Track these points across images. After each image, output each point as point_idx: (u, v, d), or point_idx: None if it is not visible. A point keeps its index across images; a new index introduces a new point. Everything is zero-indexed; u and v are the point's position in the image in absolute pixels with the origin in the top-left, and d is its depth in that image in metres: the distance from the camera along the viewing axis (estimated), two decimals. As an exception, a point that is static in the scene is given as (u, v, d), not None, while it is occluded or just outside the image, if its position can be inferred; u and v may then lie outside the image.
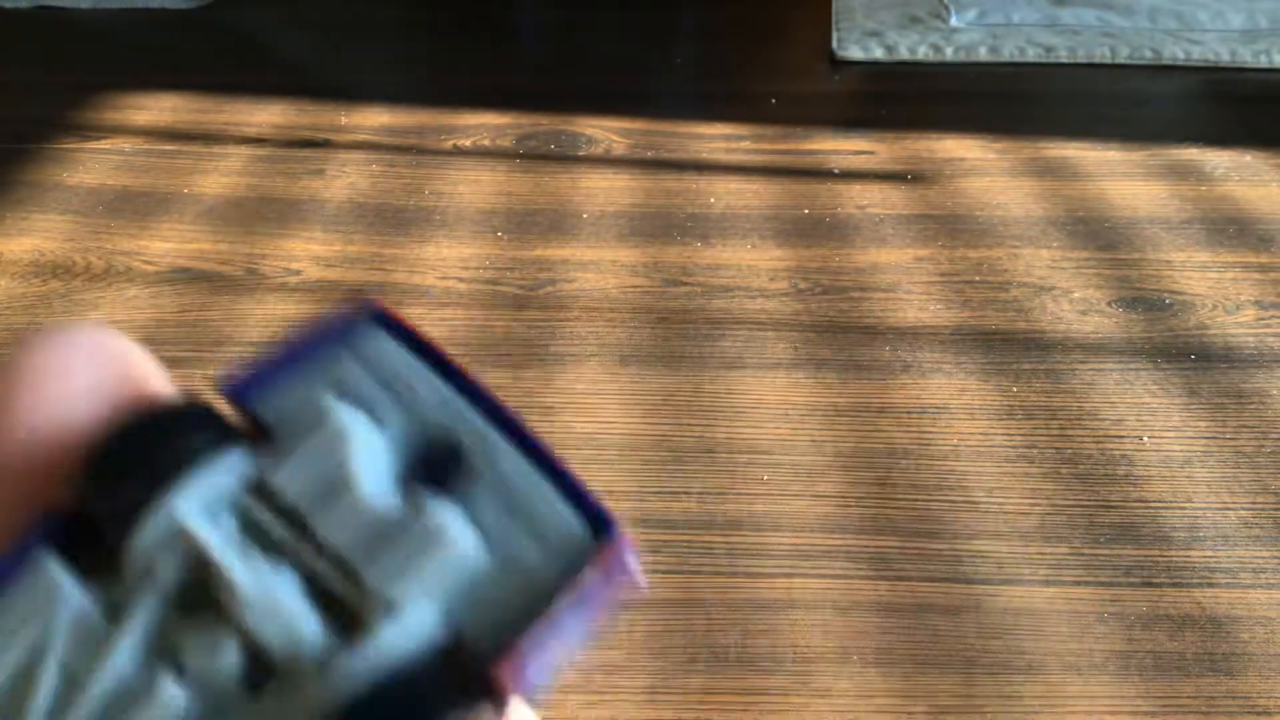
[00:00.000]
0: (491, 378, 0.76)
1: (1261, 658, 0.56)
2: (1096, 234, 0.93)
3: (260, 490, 0.11)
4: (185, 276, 0.87)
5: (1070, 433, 0.71)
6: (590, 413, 0.73)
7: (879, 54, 1.30)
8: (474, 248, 0.91)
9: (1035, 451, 0.69)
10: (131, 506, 0.10)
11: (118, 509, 0.10)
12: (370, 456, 0.11)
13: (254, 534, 0.11)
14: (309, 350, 0.11)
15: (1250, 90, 1.22)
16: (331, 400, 0.11)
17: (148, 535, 0.10)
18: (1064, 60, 1.29)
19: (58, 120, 1.13)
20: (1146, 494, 0.66)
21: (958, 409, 0.73)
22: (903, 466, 0.68)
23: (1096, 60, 1.28)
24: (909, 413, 0.73)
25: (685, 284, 0.86)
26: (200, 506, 0.11)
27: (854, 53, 1.30)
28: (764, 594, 0.60)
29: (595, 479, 0.67)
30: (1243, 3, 1.40)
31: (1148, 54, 1.28)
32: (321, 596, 0.10)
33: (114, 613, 0.10)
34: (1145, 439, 0.70)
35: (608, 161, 1.06)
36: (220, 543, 0.10)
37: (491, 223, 0.95)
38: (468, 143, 1.10)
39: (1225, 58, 1.27)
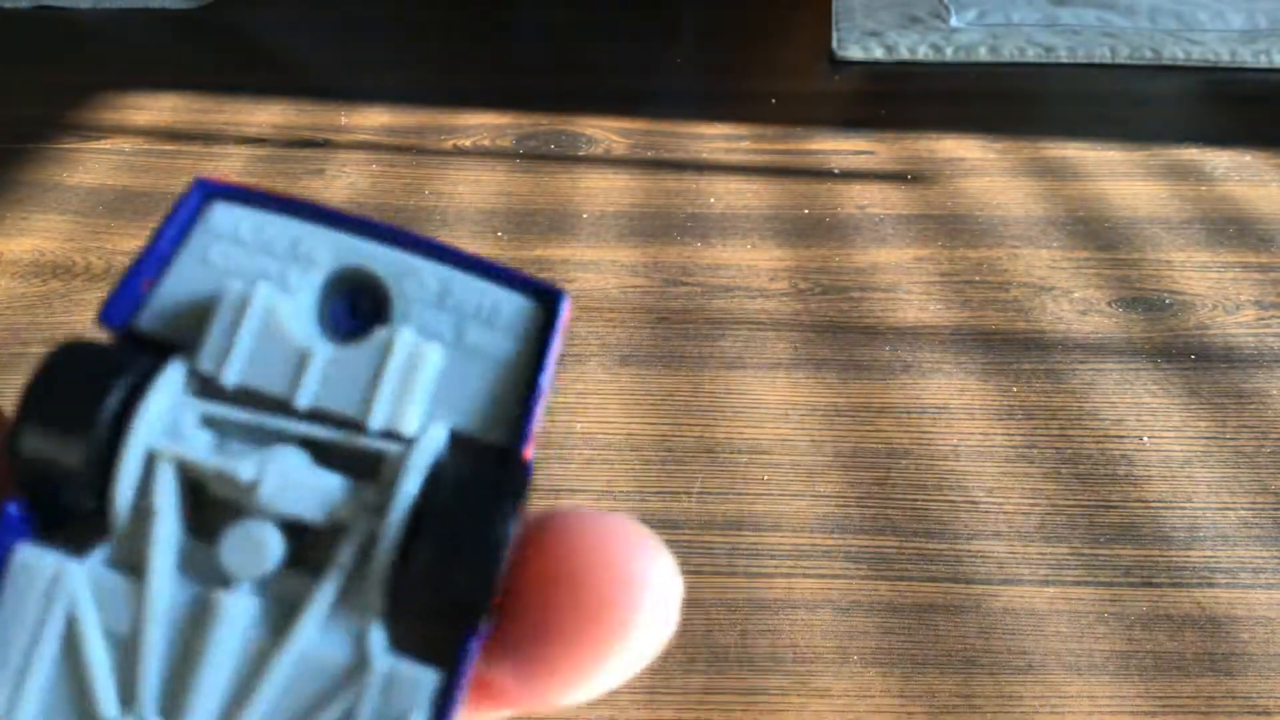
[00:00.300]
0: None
1: (1261, 658, 0.56)
2: (1096, 234, 0.93)
3: (206, 390, 0.10)
4: (185, 276, 0.87)
5: (1070, 433, 0.71)
6: (590, 413, 0.73)
7: (879, 54, 1.30)
8: (474, 247, 0.91)
9: (1035, 451, 0.69)
10: (91, 462, 0.10)
11: (74, 471, 0.10)
12: (293, 315, 0.11)
13: (229, 431, 0.10)
14: (165, 250, 0.11)
15: (1250, 90, 1.22)
16: (222, 282, 0.11)
17: (126, 480, 0.10)
18: (1064, 60, 1.29)
19: (58, 120, 1.13)
20: (1146, 494, 0.66)
21: (957, 409, 0.73)
22: (902, 466, 0.68)
23: (1096, 60, 1.28)
24: (909, 413, 0.73)
25: (685, 284, 0.86)
26: (164, 431, 0.10)
27: (854, 53, 1.30)
28: (764, 594, 0.60)
29: (595, 479, 0.67)
30: (1243, 3, 1.40)
31: (1148, 54, 1.28)
32: (328, 456, 0.10)
33: (129, 564, 0.10)
34: (1145, 439, 0.70)
35: (608, 161, 1.06)
36: (205, 452, 0.10)
37: (491, 223, 0.95)
38: (468, 143, 1.10)
39: (1225, 58, 1.27)
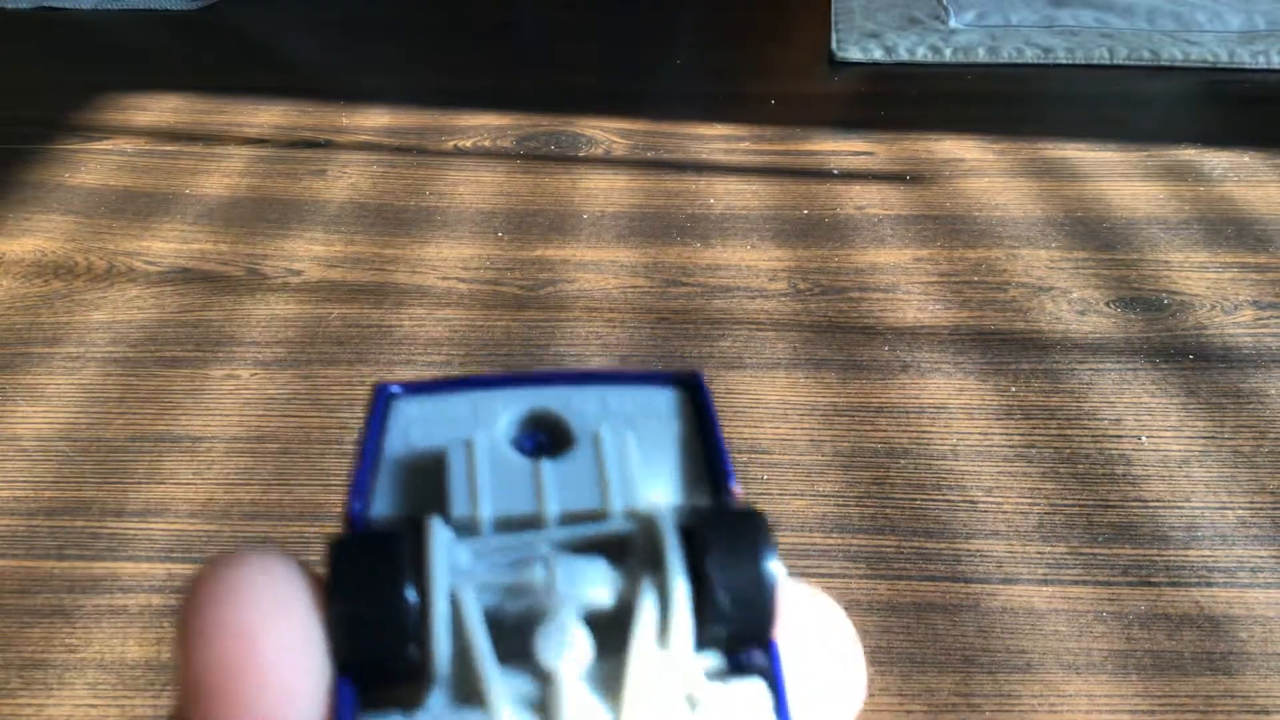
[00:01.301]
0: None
1: (1259, 657, 0.57)
2: (1095, 234, 0.93)
3: (465, 531, 0.12)
4: (186, 277, 0.88)
5: (1069, 432, 0.71)
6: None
7: (878, 55, 1.30)
8: (474, 248, 0.92)
9: (1034, 451, 0.70)
10: (406, 626, 0.11)
11: (392, 640, 0.11)
12: (507, 451, 0.12)
13: (497, 557, 0.12)
14: (373, 447, 0.12)
15: (1248, 91, 1.22)
16: (432, 451, 0.12)
17: (440, 627, 0.11)
18: (1062, 61, 1.29)
19: (59, 121, 1.13)
20: (1145, 493, 0.67)
21: (956, 409, 0.73)
22: (901, 466, 0.68)
23: (1095, 61, 1.28)
24: (908, 412, 0.73)
25: (685, 284, 0.87)
26: (454, 575, 0.11)
27: (853, 54, 1.31)
28: (763, 593, 0.60)
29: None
30: (1240, 4, 1.40)
31: (1146, 55, 1.28)
32: (586, 549, 0.12)
33: (465, 701, 0.11)
34: (1143, 439, 0.71)
35: (608, 162, 1.06)
36: (492, 577, 0.11)
37: (492, 223, 0.95)
38: (468, 143, 1.10)
39: (1223, 59, 1.27)
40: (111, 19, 1.45)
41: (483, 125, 1.14)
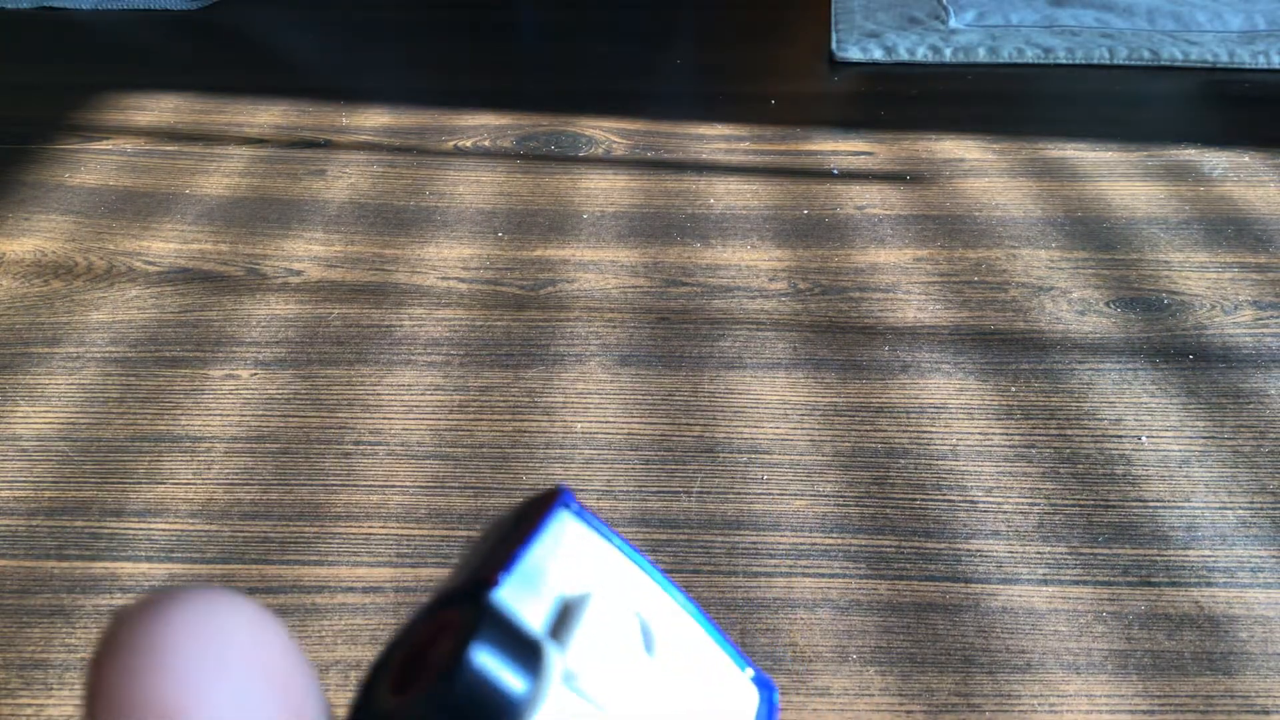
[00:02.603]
0: (491, 378, 0.76)
1: (1260, 657, 0.57)
2: (1095, 234, 0.93)
3: (568, 678, 0.12)
4: (186, 277, 0.88)
5: (1068, 432, 0.71)
6: (590, 413, 0.73)
7: (878, 55, 1.30)
8: (474, 248, 0.92)
9: (1034, 451, 0.70)
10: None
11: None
12: (620, 622, 0.13)
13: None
14: (532, 539, 0.13)
15: (1248, 91, 1.22)
16: (566, 583, 0.13)
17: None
18: (1062, 61, 1.29)
19: (59, 121, 1.13)
20: (1145, 493, 0.67)
21: (956, 408, 0.73)
22: (901, 466, 0.68)
23: (1095, 61, 1.28)
24: (908, 412, 0.73)
25: (685, 284, 0.87)
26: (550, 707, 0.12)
27: (853, 54, 1.31)
28: (763, 593, 0.60)
29: (595, 479, 0.67)
30: (1241, 4, 1.40)
31: (1146, 55, 1.28)
32: None
33: None
34: (1143, 439, 0.71)
35: (608, 162, 1.06)
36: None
37: (492, 223, 0.95)
38: (468, 143, 1.10)
39: (1223, 59, 1.27)
40: (111, 19, 1.45)
41: (483, 125, 1.14)
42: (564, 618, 0.12)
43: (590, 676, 0.12)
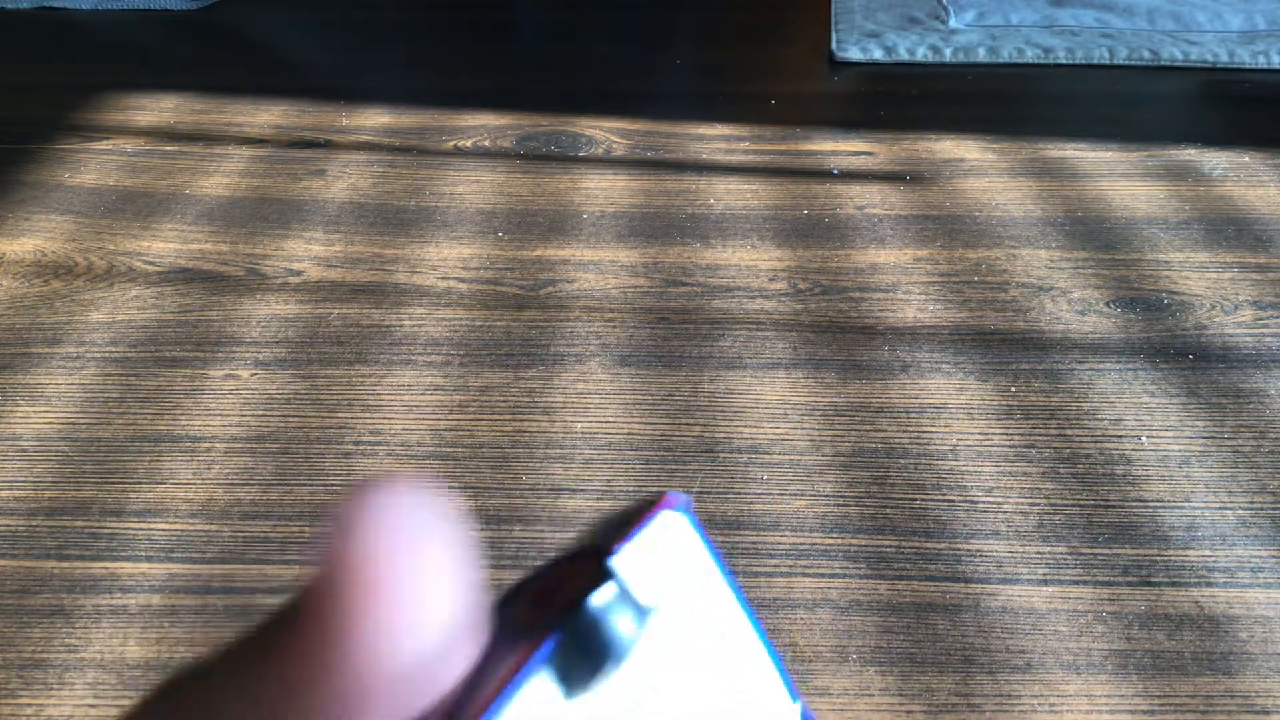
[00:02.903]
0: (491, 378, 0.76)
1: (1260, 657, 0.57)
2: (1095, 234, 0.93)
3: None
4: (186, 277, 0.88)
5: (1068, 432, 0.71)
6: (590, 413, 0.73)
7: (878, 55, 1.30)
8: (474, 248, 0.92)
9: (1034, 451, 0.70)
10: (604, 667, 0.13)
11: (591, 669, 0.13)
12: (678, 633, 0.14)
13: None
14: (643, 525, 0.14)
15: (1248, 91, 1.22)
16: (662, 577, 0.14)
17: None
18: (1062, 61, 1.29)
19: (59, 121, 1.13)
20: (1145, 493, 0.67)
21: (956, 408, 0.73)
22: (901, 466, 0.68)
23: (1095, 61, 1.28)
24: (908, 412, 0.73)
25: (685, 284, 0.87)
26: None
27: (853, 54, 1.31)
28: (763, 593, 0.60)
29: (595, 479, 0.67)
30: (1241, 4, 1.40)
31: (1146, 55, 1.28)
32: None
33: None
34: (1143, 439, 0.71)
35: (608, 162, 1.06)
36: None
37: (492, 223, 0.95)
38: (468, 143, 1.10)
39: (1223, 59, 1.27)
40: (111, 19, 1.45)
41: (483, 125, 1.14)
42: (653, 598, 0.14)
43: (657, 659, 0.13)
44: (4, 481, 0.67)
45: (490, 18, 1.49)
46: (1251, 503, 0.66)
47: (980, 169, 1.04)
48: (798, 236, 0.93)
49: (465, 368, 0.77)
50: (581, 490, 0.66)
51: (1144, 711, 0.54)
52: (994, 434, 0.71)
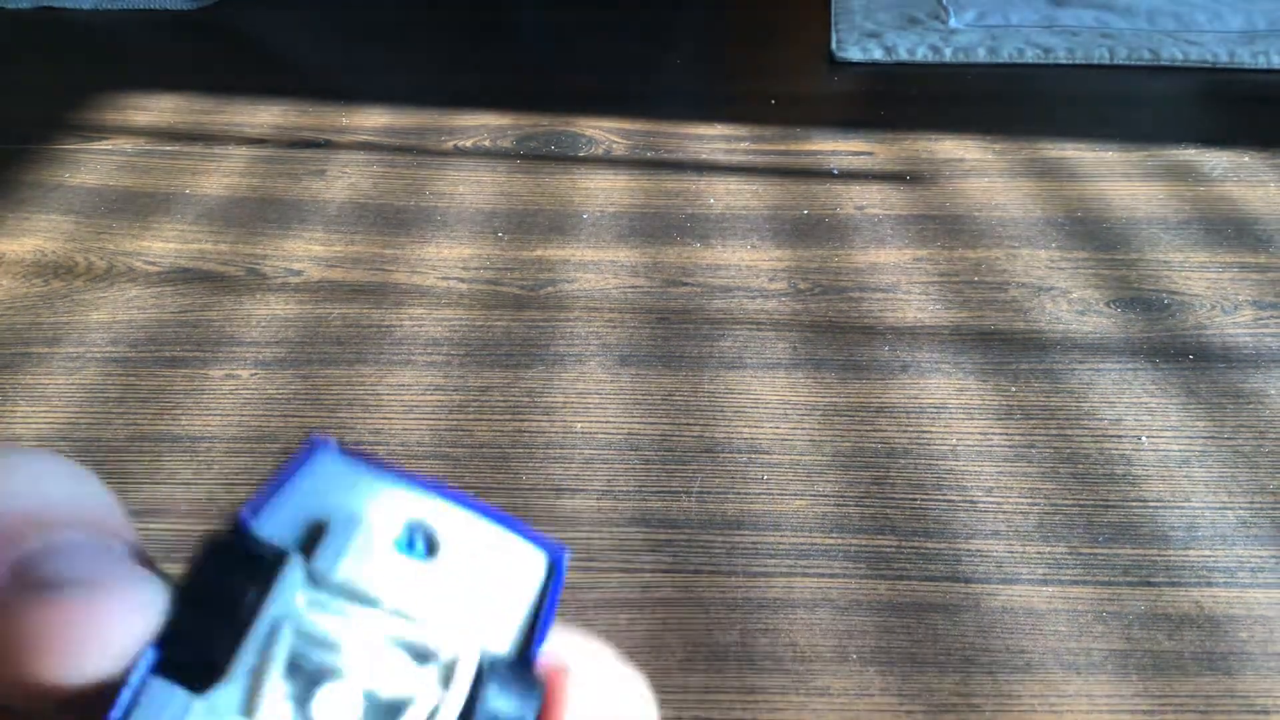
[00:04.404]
0: (491, 378, 0.76)
1: (1260, 657, 0.57)
2: (1095, 234, 0.93)
3: (315, 581, 0.13)
4: (186, 277, 0.88)
5: (1068, 432, 0.71)
6: (590, 413, 0.73)
7: (878, 55, 1.30)
8: (474, 248, 0.92)
9: (1034, 451, 0.70)
10: (229, 631, 0.12)
11: (214, 638, 0.12)
12: (382, 539, 0.14)
13: (329, 613, 0.13)
14: (284, 480, 0.14)
15: (1248, 91, 1.22)
16: (326, 509, 0.14)
17: (254, 643, 0.13)
18: (1062, 61, 1.29)
19: (59, 121, 1.13)
20: (1145, 493, 0.67)
21: (956, 408, 0.73)
22: (901, 466, 0.68)
23: (1095, 61, 1.28)
24: (908, 412, 0.73)
25: (685, 284, 0.87)
26: (284, 608, 0.13)
27: (853, 54, 1.31)
28: (763, 593, 0.60)
29: (595, 479, 0.67)
30: (1241, 4, 1.40)
31: (1146, 55, 1.28)
32: (406, 646, 0.13)
33: (242, 709, 0.12)
34: (1143, 439, 0.71)
35: (608, 162, 1.06)
36: (311, 626, 0.13)
37: (492, 223, 0.95)
38: (468, 143, 1.10)
39: (1223, 59, 1.27)
40: (111, 19, 1.45)
41: (483, 125, 1.14)
42: (317, 535, 0.14)
43: (353, 574, 0.13)
44: (4, 481, 0.67)
45: (490, 18, 1.49)
46: (1251, 503, 0.66)
47: (980, 169, 1.04)
48: (798, 236, 0.93)
49: (465, 368, 0.77)
50: (581, 490, 0.66)
51: (1144, 711, 0.54)
52: (994, 434, 0.71)
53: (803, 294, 0.85)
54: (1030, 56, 1.29)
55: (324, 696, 0.13)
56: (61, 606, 0.11)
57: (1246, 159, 1.06)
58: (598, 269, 0.89)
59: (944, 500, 0.66)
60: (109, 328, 0.81)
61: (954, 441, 0.70)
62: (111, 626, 0.11)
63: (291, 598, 0.13)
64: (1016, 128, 1.12)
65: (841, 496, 0.66)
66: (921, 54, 1.30)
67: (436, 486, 0.14)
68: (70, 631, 0.11)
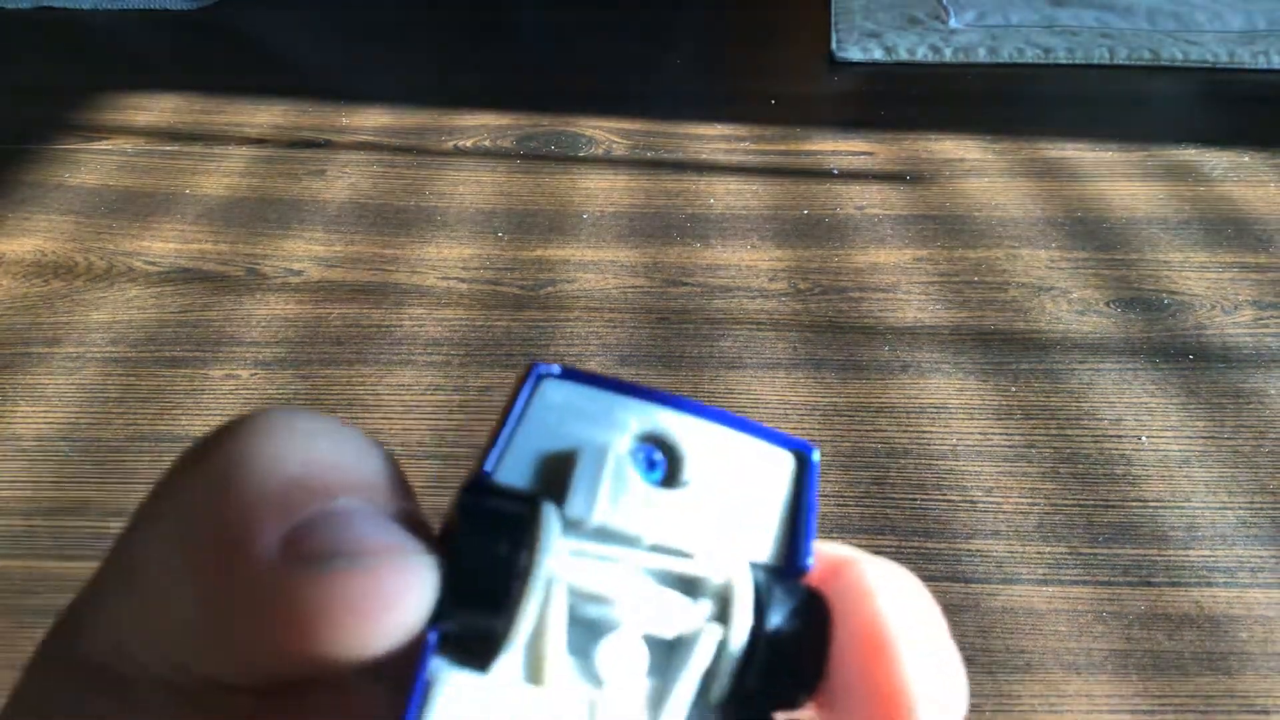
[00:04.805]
0: (491, 378, 0.76)
1: (1259, 657, 0.57)
2: (1095, 234, 0.93)
3: (571, 529, 0.13)
4: (187, 277, 0.88)
5: (1068, 432, 0.71)
6: (590, 412, 0.73)
7: (878, 55, 1.30)
8: (474, 248, 0.92)
9: (1034, 451, 0.70)
10: (505, 599, 0.12)
11: (489, 596, 0.12)
12: (630, 468, 0.13)
13: (592, 561, 0.13)
14: (515, 419, 0.13)
15: (1248, 91, 1.22)
16: (567, 441, 0.13)
17: (532, 607, 0.12)
18: (1062, 61, 1.29)
19: (59, 121, 1.13)
20: (1145, 493, 0.67)
21: (956, 408, 0.73)
22: (901, 466, 0.68)
23: (1095, 61, 1.28)
24: (908, 412, 0.73)
25: (685, 284, 0.87)
26: (554, 564, 0.12)
27: (853, 54, 1.31)
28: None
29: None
30: (1241, 4, 1.40)
31: (1146, 55, 1.28)
32: (669, 580, 0.13)
33: (530, 675, 0.12)
34: (1143, 439, 0.71)
35: (608, 162, 1.06)
36: (581, 579, 0.13)
37: (492, 223, 0.95)
38: (468, 143, 1.10)
39: (1223, 58, 1.27)
40: (111, 19, 1.45)
41: (483, 125, 1.14)
42: (563, 473, 0.13)
43: (608, 513, 0.13)
44: (4, 481, 0.67)
45: (490, 18, 1.49)
46: (1251, 503, 0.66)
47: (980, 169, 1.04)
48: (798, 236, 0.93)
49: (465, 368, 0.77)
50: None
51: (1144, 711, 0.54)
52: (994, 434, 0.71)
53: (803, 294, 0.85)
54: (1030, 56, 1.29)
55: (606, 650, 0.12)
56: (337, 580, 0.11)
57: (1246, 159, 1.06)
58: (598, 269, 0.89)
59: (944, 500, 0.66)
60: (109, 328, 0.81)
61: (954, 441, 0.70)
62: (389, 601, 0.11)
63: (556, 552, 0.12)
64: (1016, 128, 1.12)
65: (841, 496, 0.66)
66: (921, 54, 1.30)
67: (668, 397, 0.14)
68: (347, 607, 0.11)
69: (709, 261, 0.90)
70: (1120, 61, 1.28)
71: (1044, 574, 0.61)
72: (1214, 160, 1.06)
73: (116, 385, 0.75)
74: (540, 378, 0.13)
